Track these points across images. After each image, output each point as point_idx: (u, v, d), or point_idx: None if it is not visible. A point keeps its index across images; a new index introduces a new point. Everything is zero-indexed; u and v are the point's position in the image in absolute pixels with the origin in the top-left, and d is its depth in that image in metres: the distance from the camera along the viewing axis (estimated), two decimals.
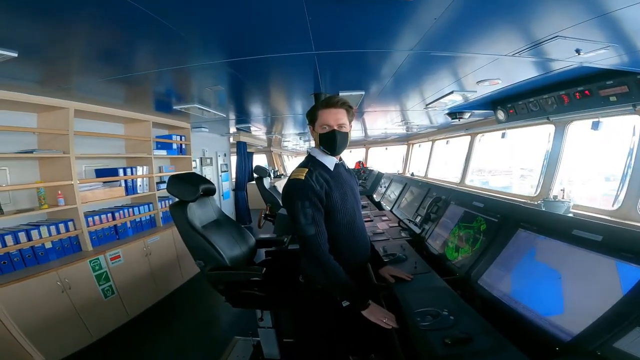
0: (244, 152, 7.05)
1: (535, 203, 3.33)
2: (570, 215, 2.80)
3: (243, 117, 4.57)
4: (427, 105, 3.29)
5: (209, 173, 6.09)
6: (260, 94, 3.01)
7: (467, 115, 3.66)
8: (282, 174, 11.32)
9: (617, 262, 1.22)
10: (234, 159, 7.28)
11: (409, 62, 1.88)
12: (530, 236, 1.63)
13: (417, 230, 2.77)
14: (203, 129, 5.19)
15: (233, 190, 7.26)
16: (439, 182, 4.92)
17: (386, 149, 7.68)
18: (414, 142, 6.85)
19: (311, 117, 1.59)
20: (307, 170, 1.53)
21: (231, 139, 6.93)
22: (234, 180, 7.40)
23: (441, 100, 2.99)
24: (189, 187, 2.18)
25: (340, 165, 1.67)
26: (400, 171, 7.24)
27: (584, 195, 3.42)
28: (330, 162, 1.61)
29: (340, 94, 2.63)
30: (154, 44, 1.64)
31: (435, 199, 2.83)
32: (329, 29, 1.41)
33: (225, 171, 6.85)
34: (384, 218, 3.59)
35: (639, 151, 2.55)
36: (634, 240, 1.24)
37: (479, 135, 4.60)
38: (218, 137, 6.51)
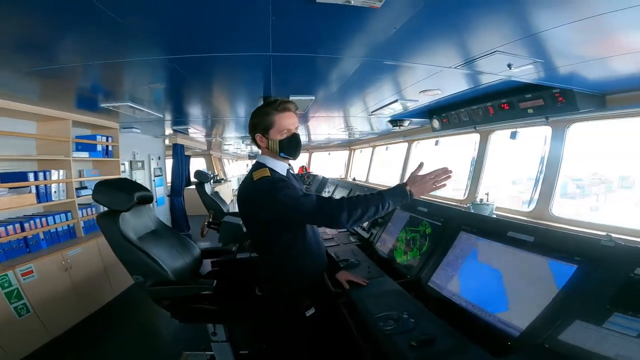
0: (181, 155, 6.61)
1: (464, 206, 3.59)
2: (494, 216, 3.08)
3: (182, 118, 4.29)
4: (371, 112, 3.39)
5: (140, 178, 5.60)
6: (206, 95, 2.86)
7: (406, 123, 3.87)
8: (223, 179, 10.87)
9: (549, 261, 1.36)
10: (169, 162, 6.78)
11: (360, 69, 1.92)
12: (472, 238, 1.76)
13: (366, 235, 2.83)
14: (134, 130, 4.76)
15: (168, 196, 6.75)
16: (383, 188, 5.10)
17: (329, 154, 7.81)
18: (356, 148, 7.07)
19: (264, 123, 1.52)
20: (267, 169, 1.47)
21: (167, 141, 6.44)
22: (169, 185, 6.89)
23: (385, 108, 3.10)
24: (122, 194, 1.95)
25: (289, 172, 1.63)
26: (343, 176, 7.40)
27: (496, 198, 3.84)
28: (282, 168, 1.57)
29: (291, 97, 2.59)
30: (85, 32, 1.43)
31: None
32: (291, 31, 1.38)
33: (159, 175, 6.35)
34: None
35: (549, 159, 2.90)
36: (562, 241, 1.39)
37: (416, 142, 4.89)
38: (151, 139, 6.02)
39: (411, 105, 3.05)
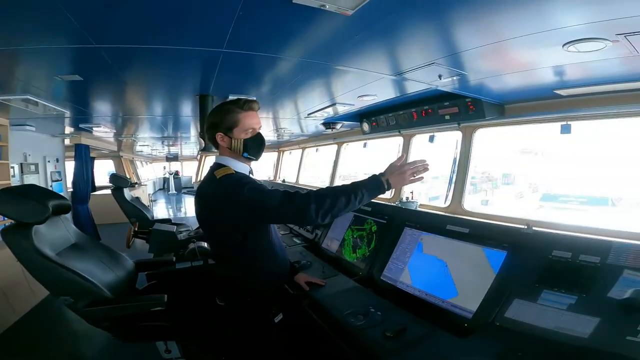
0: (85, 157, 5.79)
1: (393, 204, 3.86)
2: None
3: (88, 116, 3.74)
4: (307, 115, 3.44)
5: (33, 183, 4.70)
6: (131, 90, 2.57)
7: (339, 125, 4.01)
8: (137, 183, 9.83)
9: (483, 249, 1.58)
10: (69, 165, 5.85)
11: (309, 72, 1.94)
12: (416, 233, 1.93)
13: (310, 236, 2.86)
14: (27, 127, 4.03)
15: (71, 203, 5.82)
16: (310, 187, 5.22)
17: None
18: (285, 149, 7.07)
19: (227, 122, 1.44)
20: (230, 167, 1.40)
21: (67, 141, 5.56)
22: (70, 190, 5.96)
23: (321, 111, 3.18)
24: (33, 204, 1.64)
25: (250, 173, 1.58)
26: (271, 177, 7.33)
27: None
28: (244, 169, 1.50)
29: (230, 97, 2.47)
30: None
31: None
32: (253, 28, 1.34)
33: (57, 180, 5.43)
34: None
35: (460, 160, 3.29)
36: (491, 231, 1.62)
37: (345, 144, 5.10)
38: (48, 138, 5.15)
39: (346, 109, 3.18)
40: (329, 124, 3.99)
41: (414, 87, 2.33)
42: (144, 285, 2.19)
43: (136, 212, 4.30)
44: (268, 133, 5.09)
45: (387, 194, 4.26)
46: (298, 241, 2.80)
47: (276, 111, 3.52)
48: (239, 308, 1.48)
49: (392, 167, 1.44)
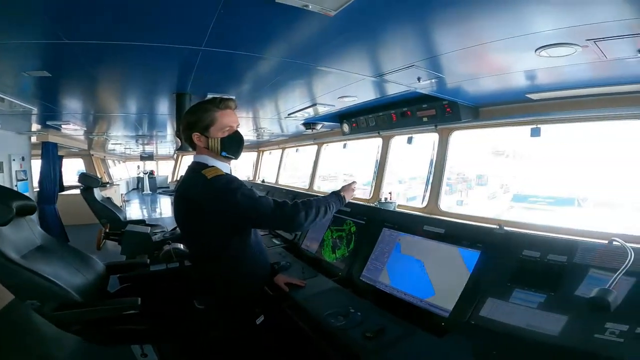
0: (53, 155, 5.50)
1: (371, 205, 3.90)
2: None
3: (57, 113, 3.57)
4: (287, 115, 3.42)
5: None
6: (105, 87, 2.48)
7: (319, 126, 4.01)
8: (109, 183, 9.46)
9: (458, 249, 1.62)
10: (36, 163, 5.55)
11: (290, 72, 1.93)
12: (394, 233, 1.95)
13: (290, 237, 2.84)
14: None
15: (37, 203, 5.52)
16: (298, 189, 5.21)
17: None
18: (265, 150, 7.01)
19: (204, 121, 1.42)
20: (218, 168, 1.38)
21: (34, 139, 5.27)
22: (36, 190, 5.65)
23: (302, 111, 3.17)
24: None
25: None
26: (251, 178, 7.25)
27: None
28: (226, 169, 1.48)
29: (209, 95, 2.42)
30: None
31: None
32: (234, 26, 1.32)
33: (23, 180, 5.13)
34: None
35: (437, 161, 3.37)
36: (466, 231, 1.66)
37: (325, 145, 5.11)
38: (14, 136, 4.86)
39: (326, 110, 3.19)
40: (309, 124, 3.99)
41: (393, 89, 2.36)
42: (117, 288, 2.09)
43: (107, 213, 4.13)
44: (247, 133, 5.03)
45: (365, 195, 4.31)
46: (277, 242, 2.78)
47: (256, 111, 3.48)
48: (220, 310, 1.46)
49: (345, 187, 1.75)
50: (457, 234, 1.70)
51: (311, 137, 5.10)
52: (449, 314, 1.48)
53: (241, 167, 7.78)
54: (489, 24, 1.28)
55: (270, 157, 6.99)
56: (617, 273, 1.19)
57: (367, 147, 4.61)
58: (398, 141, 4.06)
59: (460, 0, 1.09)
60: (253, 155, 7.34)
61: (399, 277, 1.78)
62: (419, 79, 2.05)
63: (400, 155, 4.34)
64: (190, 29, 1.35)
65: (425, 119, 3.03)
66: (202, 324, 1.59)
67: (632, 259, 1.26)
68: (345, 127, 3.93)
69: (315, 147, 5.24)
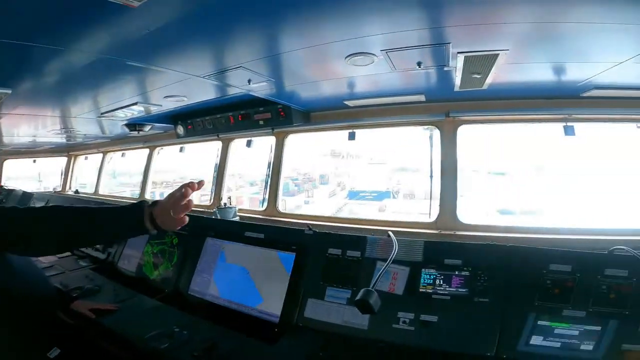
0: None
1: (211, 211, 3.71)
2: (237, 218, 3.39)
3: None
4: (102, 113, 2.88)
5: None
6: None
7: (147, 127, 3.56)
8: None
9: (277, 252, 1.67)
10: None
11: (95, 66, 1.62)
12: (217, 242, 1.88)
13: (102, 256, 2.36)
14: None
15: None
16: (113, 199, 4.47)
17: (34, 161, 5.83)
18: (78, 154, 5.71)
19: None
20: None
21: None
22: None
23: (122, 110, 2.72)
24: None
25: None
26: (59, 188, 5.78)
27: (239, 199, 4.28)
28: None
29: None
30: None
31: None
32: (21, 15, 1.06)
33: None
34: None
35: (274, 164, 3.48)
36: (283, 234, 1.74)
37: (158, 149, 4.59)
38: None
39: (154, 110, 2.85)
40: (134, 125, 3.47)
41: (226, 90, 2.29)
42: None
43: None
44: (47, 134, 4.00)
45: (206, 202, 4.04)
46: (84, 264, 2.27)
47: (65, 109, 2.80)
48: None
49: (164, 199, 1.17)
50: (275, 237, 1.73)
51: (141, 139, 4.49)
52: (279, 319, 1.50)
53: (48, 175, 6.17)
54: (296, 34, 1.36)
55: (88, 163, 5.74)
56: (385, 265, 1.32)
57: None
58: (238, 144, 4.00)
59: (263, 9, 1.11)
60: (62, 160, 5.86)
61: (227, 287, 1.70)
62: (249, 81, 2.04)
63: (249, 158, 4.28)
64: None
65: (261, 122, 3.08)
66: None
67: (396, 250, 1.43)
68: (180, 129, 3.61)
69: (147, 150, 4.63)
